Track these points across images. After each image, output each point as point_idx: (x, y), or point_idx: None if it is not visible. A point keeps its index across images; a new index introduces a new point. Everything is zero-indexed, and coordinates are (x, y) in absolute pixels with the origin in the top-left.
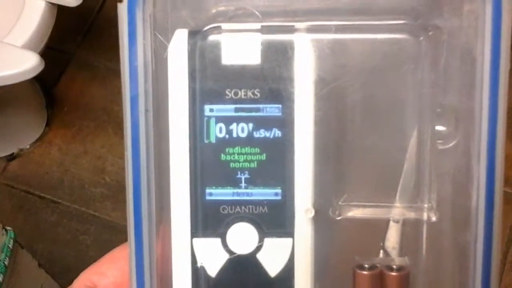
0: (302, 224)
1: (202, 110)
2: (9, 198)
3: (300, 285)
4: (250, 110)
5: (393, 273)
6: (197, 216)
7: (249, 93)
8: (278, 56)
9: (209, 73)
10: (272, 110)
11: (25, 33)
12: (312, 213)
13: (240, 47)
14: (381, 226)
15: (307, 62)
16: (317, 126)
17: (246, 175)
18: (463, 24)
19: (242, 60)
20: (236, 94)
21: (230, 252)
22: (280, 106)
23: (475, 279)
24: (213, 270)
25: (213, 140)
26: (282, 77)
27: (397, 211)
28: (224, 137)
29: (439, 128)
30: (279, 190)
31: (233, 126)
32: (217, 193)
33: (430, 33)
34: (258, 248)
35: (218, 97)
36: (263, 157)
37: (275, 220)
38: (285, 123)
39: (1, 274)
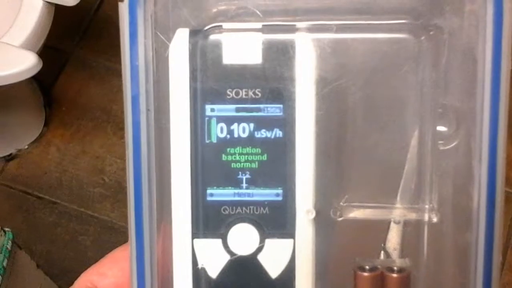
0: (303, 225)
1: (203, 110)
2: (7, 199)
3: (301, 286)
4: (251, 110)
5: (394, 275)
6: (198, 217)
7: (250, 93)
8: (279, 56)
9: (210, 72)
10: (273, 110)
11: (23, 32)
12: (313, 214)
13: (241, 47)
14: (382, 227)
15: (308, 62)
16: (318, 126)
17: (247, 176)
18: (464, 23)
19: (243, 60)
20: (237, 94)
21: (231, 253)
22: (281, 106)
23: (476, 280)
24: (214, 271)
25: (214, 140)
26: (283, 76)
27: (398, 212)
28: (225, 137)
29: (440, 128)
30: (280, 191)
31: (234, 126)
32: (218, 194)
33: (431, 32)
34: (259, 249)
35: (219, 97)
36: (264, 157)
37: (276, 221)
38: (286, 123)
39: None
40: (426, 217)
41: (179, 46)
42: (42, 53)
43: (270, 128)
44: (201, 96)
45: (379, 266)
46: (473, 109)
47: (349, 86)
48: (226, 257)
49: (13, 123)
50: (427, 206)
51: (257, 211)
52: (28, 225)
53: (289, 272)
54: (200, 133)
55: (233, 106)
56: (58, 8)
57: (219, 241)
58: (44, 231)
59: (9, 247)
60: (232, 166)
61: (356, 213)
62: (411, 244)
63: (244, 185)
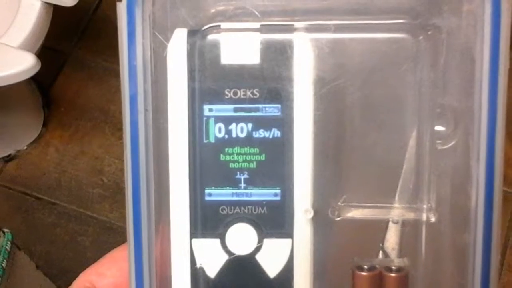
0: (301, 225)
1: (201, 110)
2: (6, 200)
3: (299, 286)
4: (250, 110)
5: (392, 274)
6: (196, 217)
7: (248, 93)
8: (277, 56)
9: (208, 72)
10: (272, 110)
11: (21, 33)
12: (311, 213)
13: (239, 47)
14: (380, 227)
15: (306, 62)
16: (316, 126)
17: (245, 176)
18: (462, 23)
19: (241, 60)
20: (235, 94)
21: (229, 252)
22: (279, 106)
23: (474, 280)
24: (212, 270)
25: (212, 140)
26: (281, 76)
27: (396, 211)
28: (223, 137)
29: (438, 128)
30: (278, 191)
31: (232, 126)
32: (216, 194)
33: (429, 32)
34: (257, 249)
35: (217, 97)
36: (263, 157)
37: (274, 221)
38: (284, 123)
39: None
40: (424, 217)
41: (177, 46)
42: (41, 54)
43: (268, 128)
44: (199, 96)
45: (377, 266)
46: (471, 109)
47: (347, 86)
48: (224, 257)
49: (12, 124)
50: (425, 206)
51: (255, 211)
52: (27, 226)
53: (287, 271)
54: (198, 133)
55: (231, 106)
56: (56, 9)
57: (217, 241)
58: (43, 232)
59: (8, 248)
60: (230, 166)
61: (354, 213)
62: (409, 244)
63: (242, 185)
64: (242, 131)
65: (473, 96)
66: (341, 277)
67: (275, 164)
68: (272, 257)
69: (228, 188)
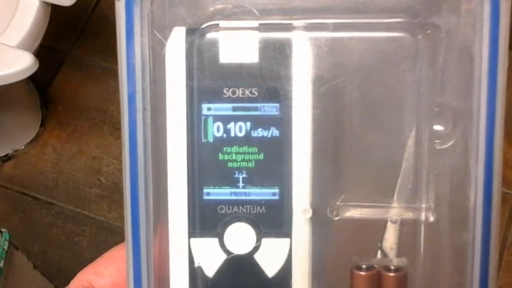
0: (299, 224)
1: (199, 109)
2: (3, 199)
3: (297, 285)
4: (248, 109)
5: (391, 274)
6: (195, 216)
7: (247, 92)
8: (276, 54)
9: (206, 71)
10: (270, 109)
11: (19, 32)
12: (309, 213)
13: (237, 45)
14: (378, 227)
15: (305, 61)
16: (314, 125)
17: (244, 175)
18: (461, 22)
19: (239, 58)
20: (233, 93)
21: (227, 252)
22: (277, 105)
23: (473, 279)
24: (210, 270)
25: (210, 139)
26: (280, 75)
27: (395, 211)
28: (221, 136)
29: (437, 127)
30: (276, 190)
31: (231, 125)
32: (214, 193)
33: (428, 31)
34: (256, 248)
35: (216, 96)
36: (261, 156)
37: (272, 220)
38: (283, 122)
39: None
40: (423, 216)
41: (176, 44)
42: (39, 53)
43: (266, 127)
44: (197, 95)
45: (376, 265)
46: (470, 108)
47: (346, 85)
48: (223, 256)
49: (10, 124)
50: (423, 206)
51: (253, 210)
52: (24, 226)
53: (286, 271)
54: (196, 132)
55: (230, 105)
56: (55, 8)
57: (215, 240)
58: (40, 232)
59: (5, 247)
60: (229, 165)
61: (353, 212)
62: (408, 244)
63: (241, 184)
64: (240, 130)
65: (472, 95)
66: (339, 276)
67: (273, 163)
68: (270, 257)
69: (226, 187)
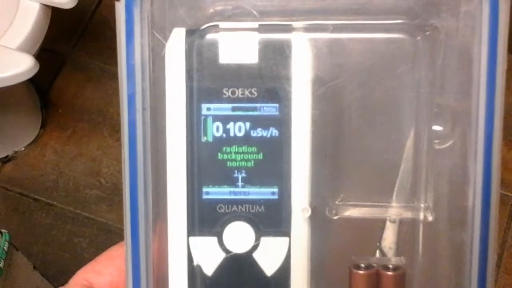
0: (298, 224)
1: (199, 109)
2: (3, 201)
3: (296, 284)
4: (247, 109)
5: (389, 273)
6: (194, 215)
7: (246, 92)
8: (276, 55)
9: (206, 72)
10: (269, 109)
11: (20, 35)
12: (308, 212)
13: (237, 46)
14: (377, 226)
15: (304, 61)
16: (314, 126)
17: (243, 174)
18: (460, 24)
19: (239, 59)
20: (233, 93)
21: (226, 251)
22: (277, 105)
23: (471, 279)
24: (209, 268)
25: (210, 139)
26: (279, 76)
27: (394, 210)
28: (221, 136)
29: (436, 128)
30: (275, 189)
31: (230, 125)
32: (214, 192)
33: (428, 33)
34: (255, 247)
35: (215, 96)
36: (260, 156)
37: (271, 219)
38: (282, 122)
39: None
40: (421, 216)
41: (176, 45)
42: (39, 56)
43: (266, 127)
44: (197, 95)
45: (374, 264)
46: (468, 109)
47: (345, 85)
48: (222, 255)
49: (10, 125)
50: (422, 205)
51: (252, 209)
52: (24, 227)
53: (285, 270)
54: (196, 132)
55: (229, 105)
56: (55, 11)
57: (214, 239)
58: (40, 233)
59: (5, 248)
60: (228, 164)
61: (352, 212)
62: (406, 243)
63: (240, 183)
64: (240, 130)
65: (471, 96)
66: (338, 275)
67: (272, 163)
68: (269, 256)
69: (225, 186)
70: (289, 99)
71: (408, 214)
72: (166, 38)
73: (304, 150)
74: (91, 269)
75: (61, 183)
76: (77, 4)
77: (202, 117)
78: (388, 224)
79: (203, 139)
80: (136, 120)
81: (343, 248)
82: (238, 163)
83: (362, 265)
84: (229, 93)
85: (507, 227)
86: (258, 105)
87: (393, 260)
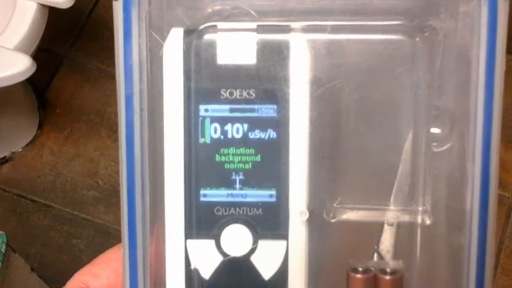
0: (296, 226)
1: (197, 110)
2: (1, 202)
3: (293, 287)
4: (245, 110)
5: (387, 277)
6: (191, 217)
7: (244, 93)
8: (274, 56)
9: (204, 72)
10: (267, 110)
11: (17, 35)
12: (306, 215)
13: (235, 47)
14: (375, 229)
15: (302, 62)
16: (312, 127)
17: (241, 176)
18: (458, 25)
19: (237, 60)
20: (231, 94)
21: (224, 254)
22: (275, 106)
23: (469, 283)
24: (206, 272)
25: (208, 140)
26: (278, 77)
27: (392, 214)
28: (219, 138)
29: (434, 130)
30: (273, 192)
31: (228, 127)
32: (211, 194)
33: (426, 34)
34: (252, 250)
35: (213, 97)
36: (258, 158)
37: (269, 222)
38: (280, 124)
39: None
40: (419, 219)
41: (173, 45)
42: (36, 56)
43: (264, 128)
44: (195, 96)
45: (372, 268)
46: (467, 111)
47: (344, 87)
48: (219, 258)
49: (7, 126)
50: (420, 208)
51: (250, 212)
52: (22, 229)
53: (282, 273)
54: (193, 133)
55: (227, 107)
56: (52, 11)
57: (212, 242)
58: (38, 234)
59: (3, 250)
60: (226, 166)
61: (350, 215)
62: (404, 246)
63: (238, 186)
64: (237, 132)
65: (469, 98)
66: (336, 279)
67: (270, 165)
68: (267, 259)
69: (223, 189)
70: (287, 101)
71: (406, 217)
72: (164, 38)
73: (302, 152)
74: (88, 271)
75: (58, 184)
76: (74, 3)
77: (200, 118)
78: (386, 227)
79: (201, 140)
80: (133, 120)
81: (341, 251)
82: (235, 165)
83: (360, 268)
84: (227, 94)
85: (505, 227)
86: (256, 106)
87: (391, 263)
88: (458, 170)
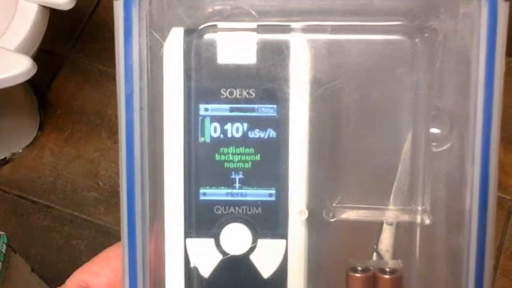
0: (295, 226)
1: (197, 109)
2: (1, 203)
3: (293, 286)
4: (245, 110)
5: (386, 276)
6: (191, 216)
7: (244, 93)
8: (274, 56)
9: (204, 72)
10: (267, 110)
11: (18, 36)
12: (306, 214)
13: (235, 46)
14: (374, 229)
15: (302, 62)
16: (312, 127)
17: (240, 176)
18: (458, 26)
19: (237, 60)
20: (231, 93)
21: (223, 252)
22: (275, 106)
23: (468, 283)
24: (206, 270)
25: (207, 139)
26: (278, 77)
27: (391, 213)
28: (218, 137)
29: (434, 130)
30: (273, 191)
31: (228, 126)
32: (211, 193)
33: (426, 34)
34: (252, 249)
35: (213, 96)
36: (258, 157)
37: (268, 221)
38: (280, 123)
39: None
40: (418, 219)
41: (174, 45)
42: (37, 57)
43: (263, 128)
44: (195, 95)
45: (371, 267)
46: (466, 112)
47: (344, 87)
48: (219, 257)
49: (8, 127)
50: (419, 208)
51: (249, 211)
52: (22, 229)
53: (281, 272)
54: (193, 133)
55: (227, 106)
56: (53, 12)
57: (211, 241)
58: (38, 235)
59: (3, 250)
60: (225, 166)
61: (349, 214)
62: (403, 246)
63: (237, 185)
64: (237, 131)
65: (469, 99)
66: (335, 278)
67: (270, 164)
68: (266, 258)
69: (223, 188)
70: (287, 100)
71: (405, 217)
72: (164, 37)
73: (302, 152)
74: (87, 270)
75: (59, 185)
76: (75, 5)
77: (200, 118)
78: (385, 226)
79: (201, 139)
80: (133, 119)
81: (340, 250)
82: (235, 164)
83: (359, 268)
84: (227, 93)
85: (504, 229)
86: (256, 106)
87: (390, 263)
88: (457, 170)
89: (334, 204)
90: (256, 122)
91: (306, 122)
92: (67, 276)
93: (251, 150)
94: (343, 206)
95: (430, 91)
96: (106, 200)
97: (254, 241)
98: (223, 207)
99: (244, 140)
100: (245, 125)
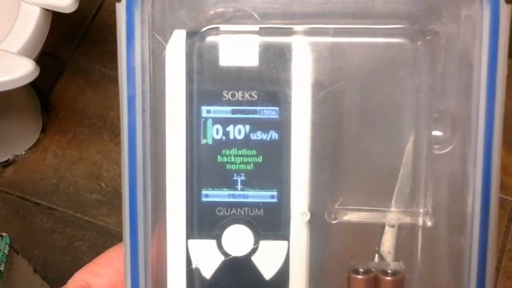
0: (297, 227)
1: (199, 111)
2: (4, 205)
3: None
4: (247, 112)
5: (388, 278)
6: (193, 218)
7: (246, 95)
8: (276, 59)
9: (206, 74)
10: (269, 112)
11: (20, 39)
12: (307, 216)
13: (238, 49)
14: (376, 231)
15: (304, 65)
16: (314, 129)
17: (243, 177)
18: (460, 29)
19: (239, 62)
20: (233, 95)
21: (225, 254)
22: (277, 108)
23: (470, 284)
24: (208, 272)
25: (209, 141)
26: (280, 79)
27: (393, 215)
28: (221, 139)
29: (436, 133)
30: (275, 193)
31: (230, 128)
32: (213, 195)
33: (428, 37)
34: (253, 251)
35: (215, 99)
36: (260, 159)
37: (270, 223)
38: (282, 125)
39: None
40: (420, 221)
41: (176, 47)
42: (39, 60)
43: (265, 130)
44: (197, 97)
45: (373, 269)
46: (468, 114)
47: (345, 90)
48: (220, 258)
49: (11, 129)
50: (421, 210)
51: (251, 212)
52: (25, 231)
53: (283, 274)
54: (195, 134)
55: (229, 108)
56: (56, 15)
57: (213, 242)
58: (41, 237)
59: (6, 251)
60: (228, 167)
61: (351, 216)
62: (405, 248)
63: (239, 186)
64: (239, 133)
65: (471, 101)
66: (337, 280)
67: (272, 166)
68: (268, 259)
69: (225, 189)
70: (289, 103)
71: (407, 219)
72: (166, 40)
73: (304, 154)
74: (89, 270)
75: (61, 187)
76: (78, 8)
77: (202, 120)
78: (387, 228)
79: (203, 141)
80: (136, 122)
81: (342, 252)
82: (237, 166)
83: (361, 269)
84: (229, 95)
85: (507, 230)
86: (258, 108)
87: (391, 265)
88: (459, 173)
89: (336, 206)
90: (258, 124)
91: (308, 124)
92: (69, 277)
93: (253, 152)
94: (345, 208)
95: (432, 94)
96: (109, 201)
97: (256, 243)
98: (225, 209)
99: (246, 142)
100: (247, 127)
